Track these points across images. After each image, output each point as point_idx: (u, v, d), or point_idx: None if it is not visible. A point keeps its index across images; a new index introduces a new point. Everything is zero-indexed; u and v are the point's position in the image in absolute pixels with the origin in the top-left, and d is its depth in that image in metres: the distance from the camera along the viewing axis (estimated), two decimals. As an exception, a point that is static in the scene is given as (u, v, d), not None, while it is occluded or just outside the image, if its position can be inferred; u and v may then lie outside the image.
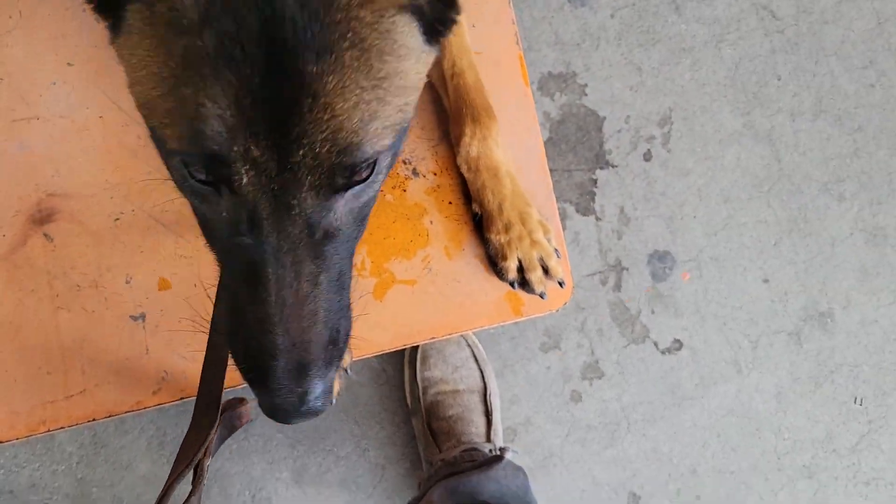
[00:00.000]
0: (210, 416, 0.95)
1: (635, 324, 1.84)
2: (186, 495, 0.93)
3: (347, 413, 1.71)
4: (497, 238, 1.21)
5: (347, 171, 0.56)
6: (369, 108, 0.56)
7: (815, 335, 1.90)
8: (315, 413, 0.65)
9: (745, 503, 1.84)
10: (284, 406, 0.64)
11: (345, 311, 0.70)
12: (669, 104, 1.89)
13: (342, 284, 0.68)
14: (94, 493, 1.62)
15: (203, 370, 1.01)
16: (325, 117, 0.53)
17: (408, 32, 0.60)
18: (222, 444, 1.00)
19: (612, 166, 1.83)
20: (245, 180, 0.56)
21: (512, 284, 1.22)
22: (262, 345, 0.61)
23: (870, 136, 1.96)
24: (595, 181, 1.83)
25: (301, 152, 0.54)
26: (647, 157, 1.87)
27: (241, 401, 1.01)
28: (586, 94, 1.85)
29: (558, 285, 1.24)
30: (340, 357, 0.68)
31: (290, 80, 0.52)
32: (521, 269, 1.23)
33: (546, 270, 1.23)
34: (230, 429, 1.02)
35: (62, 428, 1.13)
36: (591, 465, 1.80)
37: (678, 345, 1.85)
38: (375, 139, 0.56)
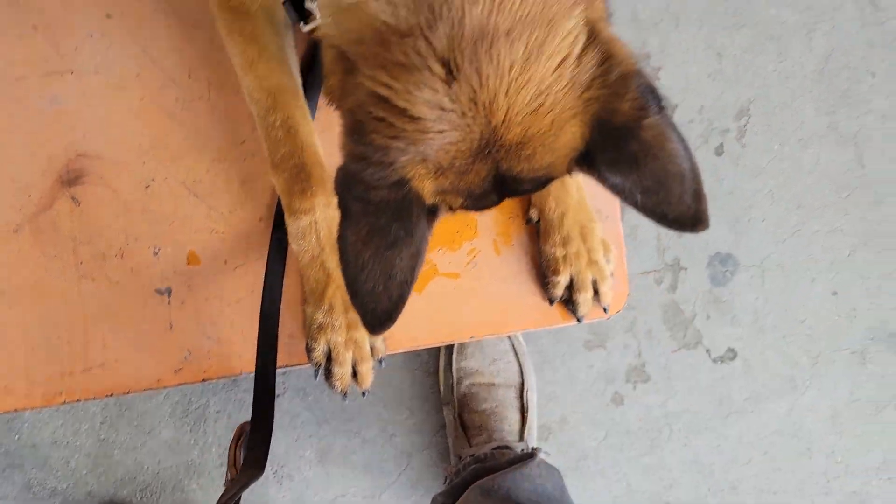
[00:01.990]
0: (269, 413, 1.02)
1: (688, 328, 1.73)
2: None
3: (376, 396, 1.65)
4: (552, 250, 1.12)
5: None
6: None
7: (882, 356, 1.77)
8: None
9: (785, 527, 1.75)
10: None
11: None
12: (749, 96, 1.75)
13: None
14: (116, 455, 1.60)
15: (257, 363, 1.03)
16: None
17: None
18: None
19: (680, 159, 1.71)
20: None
21: (551, 301, 1.14)
22: None
23: (967, 146, 1.80)
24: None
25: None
26: (719, 151, 1.74)
27: None
28: (659, 79, 1.72)
29: (603, 311, 1.15)
30: None
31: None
32: (569, 287, 1.14)
33: (596, 292, 1.14)
34: None
35: (78, 400, 1.08)
36: (627, 471, 1.72)
37: (732, 354, 1.74)
38: None
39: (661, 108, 0.68)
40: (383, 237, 0.67)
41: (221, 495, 1.00)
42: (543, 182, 0.76)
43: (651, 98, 0.67)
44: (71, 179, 1.07)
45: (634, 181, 0.69)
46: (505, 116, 0.64)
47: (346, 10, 0.66)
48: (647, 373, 1.72)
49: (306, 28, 0.91)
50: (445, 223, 1.12)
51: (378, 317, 0.70)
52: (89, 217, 1.08)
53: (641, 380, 1.72)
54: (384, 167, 0.65)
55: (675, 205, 0.69)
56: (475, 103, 0.63)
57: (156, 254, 1.09)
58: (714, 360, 1.74)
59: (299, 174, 1.02)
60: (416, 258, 0.69)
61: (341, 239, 0.68)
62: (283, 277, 1.05)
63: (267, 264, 1.05)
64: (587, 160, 0.72)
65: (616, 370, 1.71)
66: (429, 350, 1.65)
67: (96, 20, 1.08)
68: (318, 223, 1.04)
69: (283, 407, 1.63)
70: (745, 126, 1.74)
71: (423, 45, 0.62)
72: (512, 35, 0.62)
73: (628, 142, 0.67)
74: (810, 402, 1.75)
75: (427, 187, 0.68)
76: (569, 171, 0.74)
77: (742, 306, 1.74)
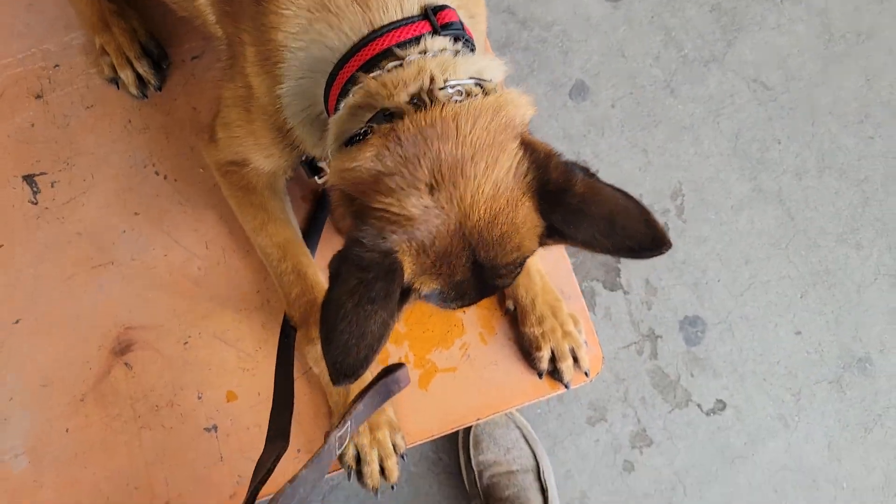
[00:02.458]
0: (280, 445, 1.11)
1: (676, 388, 1.90)
2: None
3: (410, 505, 1.79)
4: (531, 330, 1.33)
5: None
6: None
7: (857, 381, 1.93)
8: None
9: (813, 558, 1.84)
10: None
11: None
12: (679, 178, 2.02)
13: None
14: None
15: (274, 401, 1.17)
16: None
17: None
18: (378, 408, 1.13)
19: (632, 242, 1.94)
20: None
21: (540, 375, 1.33)
22: None
23: (877, 184, 2.05)
24: (618, 258, 1.94)
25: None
26: (665, 228, 1.97)
27: (400, 365, 1.15)
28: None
29: (584, 376, 1.34)
30: None
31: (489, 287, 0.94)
32: (552, 359, 1.34)
33: (575, 359, 1.33)
34: (386, 395, 1.13)
35: (151, 537, 1.24)
36: (653, 533, 1.83)
37: (721, 405, 1.90)
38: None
39: (589, 172, 0.89)
40: (367, 290, 0.81)
41: (256, 470, 1.10)
42: (517, 265, 0.94)
43: (575, 166, 0.89)
44: (122, 349, 1.29)
45: (590, 228, 0.86)
46: (472, 201, 0.86)
47: (349, 169, 0.90)
48: (650, 436, 1.87)
49: (320, 181, 1.17)
50: (437, 325, 1.34)
51: (344, 369, 0.83)
52: (141, 377, 1.28)
53: (645, 444, 1.87)
54: (378, 239, 0.84)
55: (635, 235, 0.85)
56: (451, 200, 0.85)
57: (200, 398, 1.29)
58: (707, 413, 1.89)
59: (311, 307, 1.24)
60: (387, 327, 0.84)
61: (328, 293, 0.83)
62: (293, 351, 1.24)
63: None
64: (549, 233, 0.91)
65: (621, 439, 1.86)
66: (448, 452, 1.81)
67: (127, 218, 1.34)
68: None
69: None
70: (681, 204, 2.00)
71: (409, 176, 0.85)
72: (476, 158, 0.86)
73: (567, 198, 0.87)
74: (804, 435, 1.90)
75: (409, 264, 0.86)
76: (540, 244, 0.93)
77: (719, 360, 1.92)
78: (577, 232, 0.88)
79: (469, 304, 0.98)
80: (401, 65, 0.91)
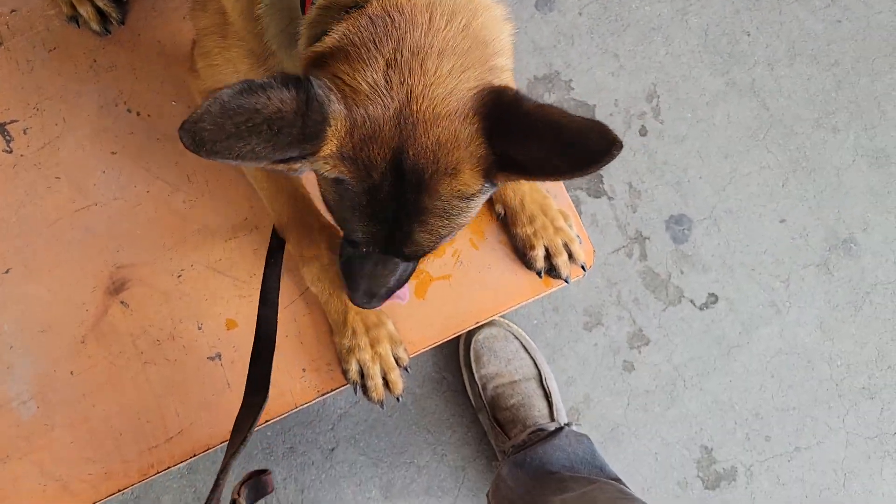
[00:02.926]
0: (261, 396, 1.09)
1: (668, 287, 1.93)
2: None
3: (419, 424, 1.81)
4: (523, 230, 1.33)
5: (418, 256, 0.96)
6: (443, 237, 0.91)
7: (843, 262, 1.97)
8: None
9: (814, 434, 1.89)
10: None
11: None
12: (651, 80, 2.02)
13: (401, 281, 1.05)
14: None
15: (253, 351, 1.16)
16: (416, 244, 0.91)
17: (481, 197, 0.89)
18: None
19: (612, 148, 1.95)
20: (374, 250, 0.93)
21: (539, 273, 1.35)
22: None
23: (848, 67, 2.06)
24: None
25: (399, 250, 0.92)
26: (643, 132, 1.99)
27: (265, 471, 1.08)
28: (573, 89, 1.98)
29: (581, 269, 1.35)
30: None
31: (402, 232, 0.89)
32: (547, 257, 1.35)
33: (570, 255, 1.34)
34: (256, 496, 1.07)
35: (168, 468, 1.26)
36: (658, 427, 1.87)
37: (714, 298, 1.93)
38: (438, 247, 0.94)
39: (537, 102, 0.81)
40: (278, 117, 0.74)
41: (234, 429, 1.08)
42: (455, 198, 0.86)
43: (524, 95, 0.83)
44: (116, 288, 1.29)
45: (539, 148, 0.80)
46: (420, 93, 0.82)
47: (315, 51, 0.86)
48: (647, 336, 1.91)
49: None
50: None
51: (199, 138, 0.71)
52: (139, 314, 1.29)
53: (643, 343, 1.90)
54: (323, 98, 0.78)
55: (584, 144, 0.77)
56: (402, 84, 0.81)
57: (200, 328, 1.29)
58: (700, 308, 1.93)
59: (304, 229, 1.24)
60: (256, 161, 0.75)
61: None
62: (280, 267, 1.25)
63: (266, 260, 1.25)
64: (499, 165, 0.85)
65: (618, 341, 1.90)
66: (451, 371, 1.83)
67: (104, 158, 1.33)
68: (327, 265, 1.25)
69: (339, 457, 1.78)
70: (657, 105, 2.00)
71: (371, 52, 0.82)
72: (443, 55, 0.83)
73: (513, 117, 0.82)
74: (796, 318, 1.94)
75: (331, 142, 0.80)
76: (487, 179, 0.86)
77: (707, 255, 1.95)
78: (526, 154, 0.83)
79: (389, 247, 0.92)
80: None
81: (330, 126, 0.80)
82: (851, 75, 2.05)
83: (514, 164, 0.84)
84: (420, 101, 0.82)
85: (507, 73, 0.90)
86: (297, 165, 0.81)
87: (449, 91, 0.83)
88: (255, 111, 0.72)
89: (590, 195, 1.95)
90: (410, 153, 0.83)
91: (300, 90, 0.76)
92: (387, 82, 0.81)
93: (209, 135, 0.70)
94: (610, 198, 1.96)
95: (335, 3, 0.89)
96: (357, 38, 0.83)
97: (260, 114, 0.72)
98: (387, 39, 0.82)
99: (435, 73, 0.82)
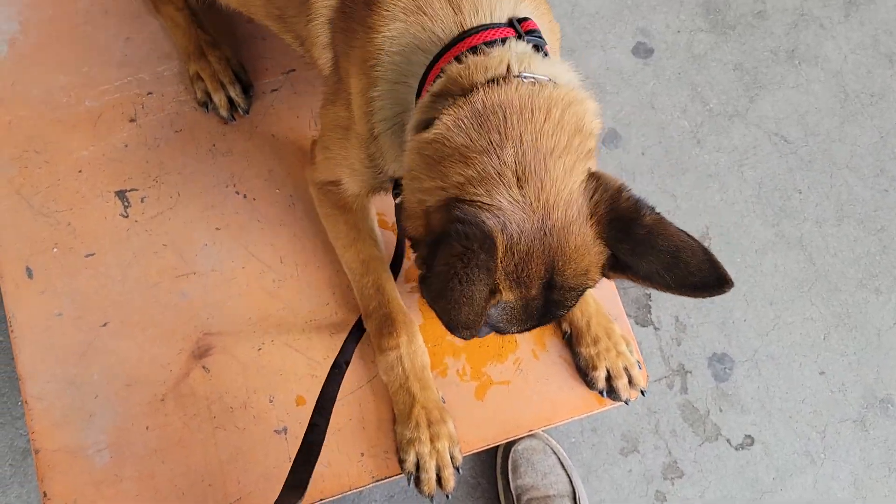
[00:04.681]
0: (297, 493, 1.14)
1: (706, 422, 1.97)
2: None
3: (450, 528, 1.83)
4: (587, 350, 1.41)
5: None
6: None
7: (880, 421, 2.00)
8: None
9: (842, 593, 1.87)
10: None
11: None
12: (706, 223, 2.13)
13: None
14: None
15: (298, 454, 1.20)
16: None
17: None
18: None
19: (663, 281, 2.04)
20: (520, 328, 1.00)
21: (602, 393, 1.41)
22: None
23: (894, 234, 2.16)
24: (649, 295, 2.04)
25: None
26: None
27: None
28: (630, 222, 2.10)
29: (640, 394, 1.42)
30: None
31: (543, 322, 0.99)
32: (608, 378, 1.41)
33: (630, 379, 1.41)
34: None
35: (222, 532, 1.30)
36: (685, 564, 1.87)
37: (750, 440, 1.97)
38: None
39: (653, 209, 0.91)
40: (473, 257, 0.84)
41: None
42: (579, 293, 0.96)
43: (643, 201, 0.92)
44: (201, 353, 1.38)
45: (655, 262, 0.88)
46: (554, 203, 0.88)
47: (428, 142, 0.94)
48: (681, 468, 1.93)
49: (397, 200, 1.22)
50: (492, 340, 1.43)
51: (459, 322, 0.86)
52: (217, 380, 1.36)
53: (677, 476, 1.93)
54: (477, 219, 0.86)
55: (697, 273, 0.87)
56: (538, 198, 0.88)
57: (271, 401, 1.37)
58: (735, 448, 1.96)
59: (386, 321, 1.32)
60: (487, 301, 0.87)
61: (433, 265, 0.87)
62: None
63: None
64: (612, 264, 0.93)
65: (653, 471, 1.92)
66: (487, 478, 1.86)
67: (209, 233, 1.44)
68: (403, 357, 1.32)
69: (369, 550, 1.80)
70: (709, 247, 2.10)
71: (496, 162, 0.88)
72: (555, 155, 0.90)
73: (635, 228, 0.89)
74: (830, 471, 1.96)
75: (499, 258, 0.87)
76: (603, 275, 0.94)
77: (747, 396, 2.00)
78: (640, 264, 0.89)
79: (526, 329, 1.00)
80: (484, 54, 0.96)
81: (495, 237, 0.86)
82: (896, 242, 2.16)
83: (628, 268, 0.92)
84: (555, 212, 0.88)
85: (595, 151, 0.98)
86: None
87: (570, 191, 0.89)
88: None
89: (637, 323, 2.03)
90: (560, 265, 0.91)
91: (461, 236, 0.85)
92: (524, 197, 0.88)
93: (464, 319, 0.87)
94: (656, 328, 2.03)
95: (446, 89, 0.97)
96: (475, 135, 0.90)
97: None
98: (504, 141, 0.89)
99: (557, 178, 0.89)
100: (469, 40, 0.99)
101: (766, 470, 1.95)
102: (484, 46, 0.98)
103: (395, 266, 1.35)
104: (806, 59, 2.32)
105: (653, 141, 2.20)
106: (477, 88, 0.92)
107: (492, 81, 0.93)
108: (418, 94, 1.04)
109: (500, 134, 0.89)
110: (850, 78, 2.32)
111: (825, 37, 2.35)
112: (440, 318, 0.87)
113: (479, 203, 0.88)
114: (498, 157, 0.89)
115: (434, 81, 1.00)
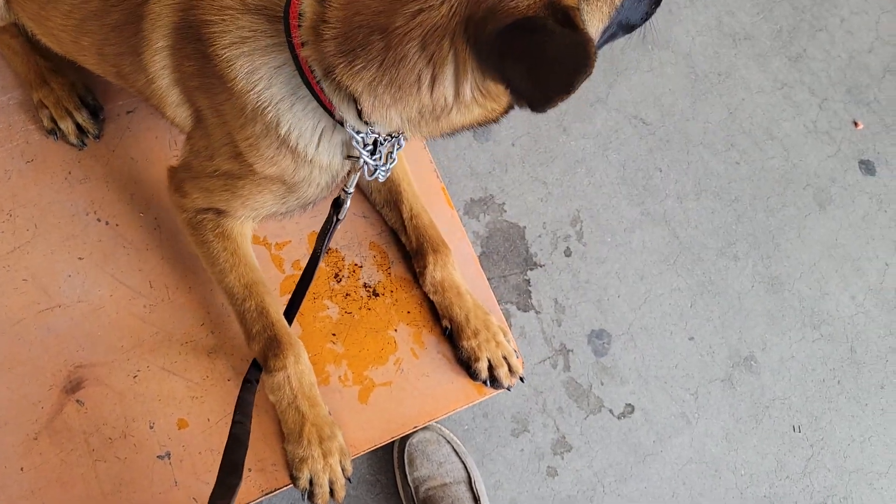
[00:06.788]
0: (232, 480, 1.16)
1: (589, 396, 2.08)
2: None
3: (352, 527, 1.87)
4: (468, 343, 1.47)
5: None
6: None
7: (745, 378, 2.16)
8: None
9: (721, 540, 2.03)
10: None
11: None
12: (576, 206, 2.23)
13: None
14: None
15: (228, 441, 1.22)
16: None
17: None
18: None
19: (540, 266, 2.14)
20: None
21: (485, 382, 1.48)
22: None
23: (746, 203, 2.33)
24: (528, 281, 2.13)
25: None
26: (568, 252, 2.18)
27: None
28: (506, 211, 2.18)
29: (520, 380, 1.49)
30: None
31: None
32: (489, 368, 1.48)
33: (509, 367, 1.49)
34: None
35: (110, 566, 1.29)
36: (579, 532, 1.98)
37: (630, 408, 2.09)
38: None
39: None
40: None
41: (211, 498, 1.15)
42: None
43: None
44: (73, 387, 1.35)
45: None
46: None
47: None
48: (569, 442, 2.03)
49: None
50: (371, 344, 1.47)
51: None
52: (93, 412, 1.34)
53: (566, 450, 2.03)
54: None
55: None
56: None
57: (152, 427, 1.36)
58: (618, 417, 2.08)
59: (272, 342, 1.32)
60: None
61: None
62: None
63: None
64: None
65: (543, 448, 2.02)
66: (385, 473, 1.91)
67: (71, 263, 1.41)
68: (291, 377, 1.33)
69: (273, 559, 1.82)
70: (580, 229, 2.21)
71: None
72: None
73: None
74: (704, 429, 2.10)
75: None
76: None
77: (625, 367, 2.12)
78: None
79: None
80: None
81: None
82: (749, 210, 2.32)
83: None
84: None
85: None
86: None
87: None
88: None
89: (519, 309, 2.12)
90: None
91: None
92: None
93: None
94: (537, 312, 2.12)
95: (317, 33, 0.98)
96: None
97: None
98: None
99: None
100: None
101: (647, 434, 2.08)
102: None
103: (308, 274, 1.35)
104: (658, 44, 2.45)
105: (521, 132, 2.28)
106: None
107: None
108: (312, 90, 1.02)
109: None
110: (699, 59, 2.47)
111: (674, 21, 2.50)
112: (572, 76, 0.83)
113: None
114: None
115: (303, 47, 0.99)
